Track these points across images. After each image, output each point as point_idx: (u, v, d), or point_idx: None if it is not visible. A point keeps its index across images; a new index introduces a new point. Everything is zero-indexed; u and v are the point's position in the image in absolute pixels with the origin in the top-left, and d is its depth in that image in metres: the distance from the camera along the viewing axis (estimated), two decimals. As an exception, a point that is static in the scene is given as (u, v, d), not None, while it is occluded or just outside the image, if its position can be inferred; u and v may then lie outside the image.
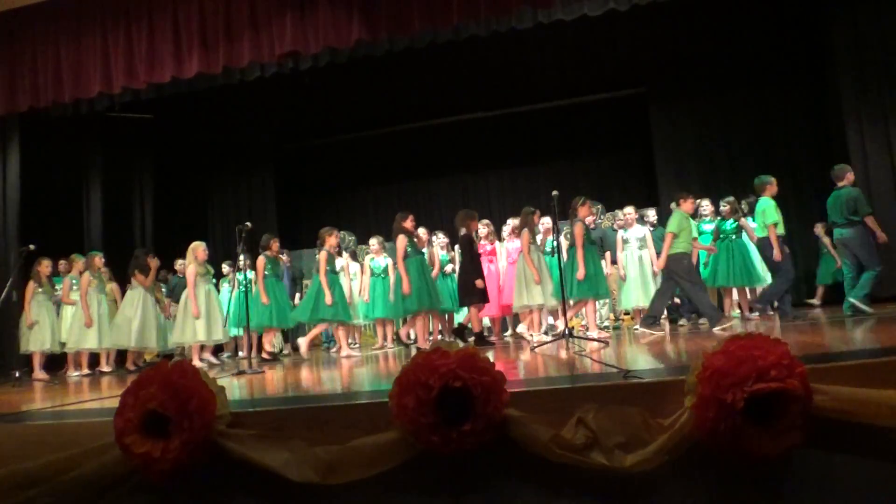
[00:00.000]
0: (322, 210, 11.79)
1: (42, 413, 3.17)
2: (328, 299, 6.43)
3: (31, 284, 7.36)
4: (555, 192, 5.54)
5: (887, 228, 6.25)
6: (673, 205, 6.58)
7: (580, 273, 5.99)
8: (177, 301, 8.38)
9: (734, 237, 6.88)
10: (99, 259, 7.71)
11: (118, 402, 2.22)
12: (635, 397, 2.13)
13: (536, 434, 2.00)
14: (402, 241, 6.25)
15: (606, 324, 7.69)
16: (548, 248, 7.36)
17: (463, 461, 2.05)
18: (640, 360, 3.44)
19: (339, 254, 7.89)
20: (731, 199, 7.08)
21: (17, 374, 6.40)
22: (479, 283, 6.17)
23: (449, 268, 7.67)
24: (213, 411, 2.18)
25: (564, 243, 6.98)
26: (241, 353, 8.32)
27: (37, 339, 7.28)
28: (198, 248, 7.18)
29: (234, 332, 8.37)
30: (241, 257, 6.48)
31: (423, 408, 2.00)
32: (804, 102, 9.09)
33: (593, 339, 5.34)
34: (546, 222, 7.57)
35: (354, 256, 9.14)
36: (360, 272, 8.18)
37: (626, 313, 7.80)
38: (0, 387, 6.05)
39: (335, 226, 7.26)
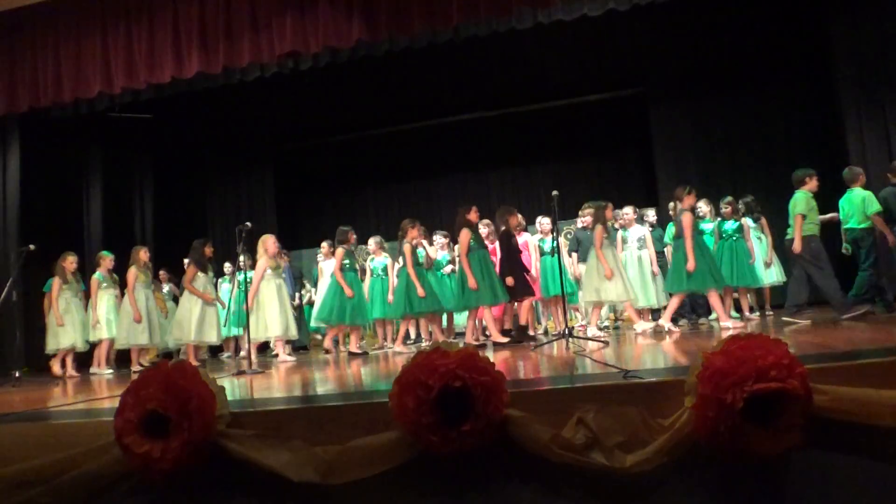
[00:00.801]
0: (322, 210, 11.79)
1: (42, 413, 3.17)
2: (420, 292, 6.37)
3: (57, 281, 7.18)
4: (555, 192, 5.55)
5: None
6: (673, 203, 6.60)
7: (691, 264, 5.77)
8: (177, 301, 8.39)
9: (736, 237, 6.86)
10: (144, 253, 7.43)
11: (118, 402, 2.22)
12: (635, 397, 2.13)
13: (536, 434, 2.00)
14: (466, 234, 6.06)
15: (606, 324, 7.69)
16: (547, 249, 7.37)
17: (463, 461, 2.05)
18: (640, 360, 3.44)
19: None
20: (731, 199, 7.08)
21: (17, 374, 6.39)
22: (508, 280, 6.04)
23: (448, 268, 7.67)
24: (213, 411, 2.18)
25: (564, 243, 6.99)
26: (241, 353, 8.31)
27: (67, 337, 7.11)
28: (268, 241, 6.88)
29: (234, 331, 8.36)
30: (241, 257, 6.46)
31: (423, 408, 2.00)
32: (804, 102, 9.09)
33: (593, 339, 5.35)
34: (546, 222, 7.58)
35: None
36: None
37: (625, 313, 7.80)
38: (0, 387, 6.05)
39: (335, 226, 7.26)
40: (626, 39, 9.29)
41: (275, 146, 11.45)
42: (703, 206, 7.41)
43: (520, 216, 7.49)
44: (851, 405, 1.95)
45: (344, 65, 8.12)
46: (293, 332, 6.92)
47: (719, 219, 7.22)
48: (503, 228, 6.36)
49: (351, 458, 2.08)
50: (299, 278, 9.36)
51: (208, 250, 6.99)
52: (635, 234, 7.24)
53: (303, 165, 11.92)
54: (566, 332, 5.09)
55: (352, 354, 6.60)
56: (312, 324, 8.32)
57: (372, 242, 7.91)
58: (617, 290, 6.07)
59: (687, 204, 5.95)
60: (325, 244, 8.30)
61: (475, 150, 11.22)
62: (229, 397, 2.39)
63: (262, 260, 6.74)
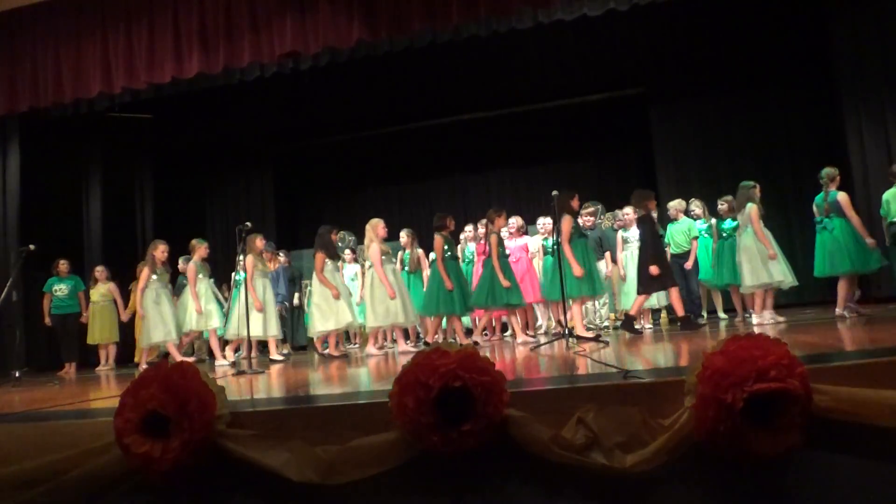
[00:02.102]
0: (321, 210, 11.79)
1: (42, 413, 3.17)
2: (506, 282, 6.22)
3: (146, 271, 6.92)
4: (555, 192, 5.55)
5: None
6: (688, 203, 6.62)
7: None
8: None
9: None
10: (260, 241, 7.05)
11: (118, 402, 2.22)
12: (635, 397, 2.13)
13: (536, 434, 2.00)
14: (568, 221, 5.87)
15: (606, 324, 7.69)
16: (548, 248, 7.37)
17: (463, 461, 2.05)
18: (640, 360, 3.44)
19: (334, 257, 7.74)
20: (730, 197, 7.07)
21: (17, 374, 6.39)
22: (652, 269, 5.80)
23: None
24: (213, 411, 2.18)
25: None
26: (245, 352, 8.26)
27: (158, 330, 6.85)
28: (378, 226, 6.53)
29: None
30: (240, 257, 6.45)
31: (423, 408, 2.00)
32: (804, 102, 9.09)
33: (592, 339, 5.35)
34: (546, 222, 7.58)
35: (354, 256, 9.15)
36: (360, 273, 8.17)
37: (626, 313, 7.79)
38: (0, 387, 6.05)
39: (334, 226, 7.22)
40: (626, 39, 9.28)
41: (275, 146, 11.46)
42: (697, 207, 7.41)
43: (514, 218, 7.50)
44: (851, 405, 1.95)
45: (344, 65, 8.12)
46: (272, 332, 6.81)
47: (714, 218, 7.22)
48: (642, 213, 6.13)
49: (351, 458, 2.08)
50: (299, 279, 9.35)
51: (335, 236, 6.68)
52: (635, 234, 7.23)
53: (303, 165, 11.92)
54: (566, 332, 5.09)
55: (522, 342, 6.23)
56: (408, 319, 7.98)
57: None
58: (776, 272, 5.93)
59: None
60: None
61: (475, 150, 11.22)
62: (229, 397, 2.39)
63: (375, 245, 6.47)
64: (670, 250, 7.39)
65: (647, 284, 5.96)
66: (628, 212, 7.36)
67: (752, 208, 6.01)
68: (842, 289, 5.81)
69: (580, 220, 7.49)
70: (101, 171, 9.97)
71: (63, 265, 8.13)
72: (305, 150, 11.91)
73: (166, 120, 10.35)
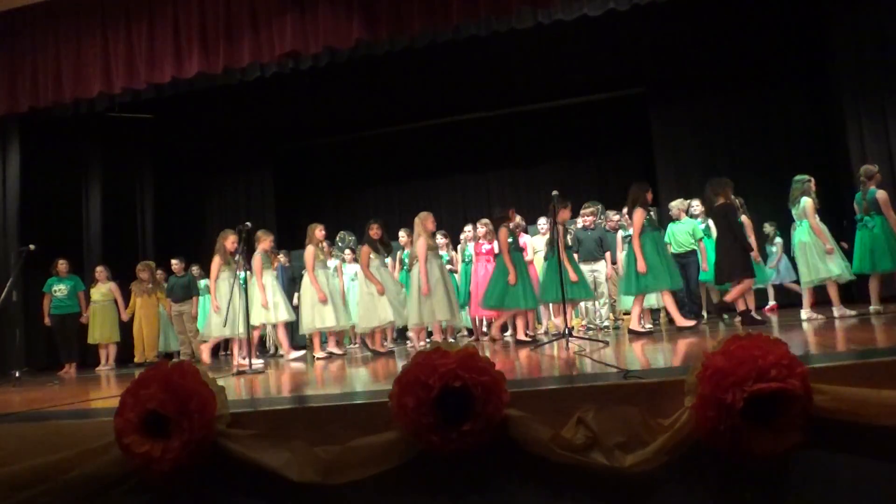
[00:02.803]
0: (322, 210, 11.78)
1: (42, 413, 3.17)
2: (573, 276, 6.08)
3: (217, 262, 6.55)
4: (555, 192, 5.54)
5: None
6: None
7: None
8: (176, 301, 8.37)
9: None
10: (320, 231, 6.79)
11: (118, 402, 2.22)
12: (635, 397, 2.13)
13: (536, 434, 2.00)
14: (639, 214, 5.71)
15: (606, 323, 7.68)
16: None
17: (463, 461, 2.05)
18: (640, 360, 3.44)
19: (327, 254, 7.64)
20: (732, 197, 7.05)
21: (17, 374, 6.39)
22: (754, 255, 5.69)
23: (447, 268, 7.66)
24: (213, 411, 2.18)
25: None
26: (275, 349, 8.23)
27: (230, 323, 6.34)
28: (427, 220, 6.36)
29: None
30: (237, 257, 6.42)
31: (423, 408, 2.00)
32: (804, 102, 9.08)
33: (593, 340, 5.35)
34: (546, 222, 7.57)
35: (354, 256, 9.13)
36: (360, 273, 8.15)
37: (626, 313, 7.79)
38: (0, 387, 6.05)
39: (335, 226, 7.22)
40: (626, 39, 9.28)
41: (275, 146, 11.45)
42: (696, 206, 7.41)
43: (490, 225, 7.47)
44: (851, 405, 1.95)
45: (344, 65, 8.12)
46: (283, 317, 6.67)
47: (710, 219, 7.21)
48: (720, 201, 5.92)
49: (351, 458, 2.08)
50: (299, 279, 9.34)
51: (377, 232, 6.53)
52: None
53: (303, 165, 11.91)
54: (566, 332, 5.08)
55: (520, 342, 6.06)
56: (470, 313, 7.62)
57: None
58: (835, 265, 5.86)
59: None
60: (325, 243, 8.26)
61: (475, 150, 11.21)
62: (229, 397, 2.39)
63: (422, 239, 6.30)
64: (671, 250, 7.40)
65: (730, 273, 5.78)
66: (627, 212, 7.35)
67: (808, 202, 5.89)
68: (876, 286, 5.76)
69: (579, 221, 7.50)
70: (101, 171, 9.98)
71: (62, 265, 8.11)
72: (305, 150, 11.91)
73: (166, 120, 10.35)
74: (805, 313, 5.85)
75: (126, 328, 8.49)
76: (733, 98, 9.30)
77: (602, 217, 7.74)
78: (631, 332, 5.73)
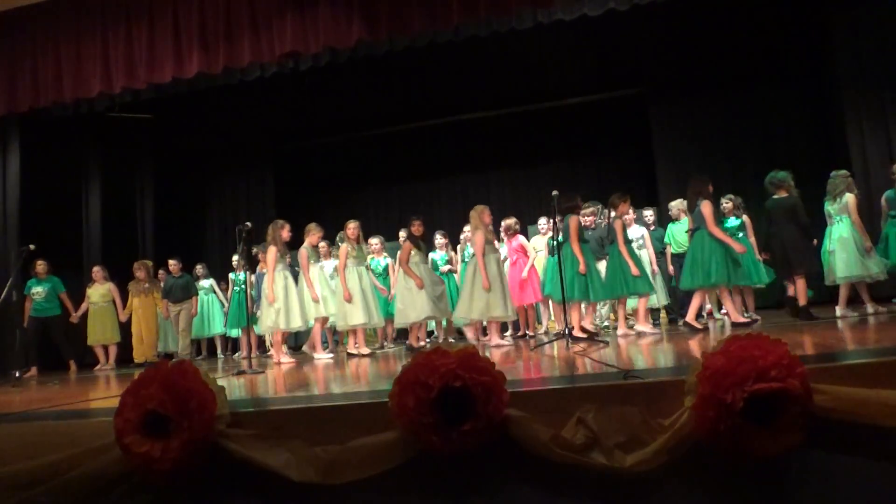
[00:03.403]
0: (322, 210, 11.77)
1: (42, 413, 3.17)
2: (635, 270, 5.97)
3: (273, 252, 6.29)
4: (555, 192, 5.54)
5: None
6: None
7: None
8: (175, 301, 8.36)
9: (741, 235, 6.79)
10: (353, 228, 6.65)
11: (118, 402, 2.22)
12: (635, 397, 2.13)
13: (536, 434, 2.00)
14: (708, 206, 5.60)
15: (606, 324, 7.69)
16: (552, 248, 7.37)
17: (463, 461, 2.05)
18: (640, 360, 3.44)
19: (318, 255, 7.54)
20: (732, 196, 7.05)
21: (17, 374, 6.39)
22: (813, 242, 5.63)
23: (446, 268, 7.66)
24: (213, 411, 2.18)
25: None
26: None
27: (281, 316, 6.22)
28: (484, 213, 6.23)
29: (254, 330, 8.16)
30: (235, 258, 6.41)
31: (423, 408, 2.00)
32: (804, 102, 9.08)
33: (593, 340, 5.35)
34: (548, 222, 7.57)
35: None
36: (391, 268, 8.07)
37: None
38: (0, 386, 6.05)
39: (335, 226, 7.20)
40: (626, 39, 9.29)
41: (275, 146, 11.45)
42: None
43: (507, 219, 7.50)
44: (851, 405, 1.95)
45: (344, 65, 8.12)
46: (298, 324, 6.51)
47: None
48: (783, 195, 5.85)
49: (351, 458, 2.08)
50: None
51: (418, 228, 6.51)
52: (634, 234, 7.22)
53: (303, 165, 11.91)
54: (566, 332, 5.08)
55: (576, 338, 5.78)
56: (508, 312, 7.37)
57: (374, 242, 7.82)
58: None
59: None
60: (323, 244, 8.20)
61: (475, 150, 11.21)
62: (229, 397, 2.39)
63: (480, 233, 6.13)
64: (671, 250, 7.40)
65: (800, 265, 5.70)
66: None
67: (851, 198, 5.85)
68: None
69: (581, 220, 7.48)
70: (101, 171, 9.97)
71: (40, 266, 7.86)
72: (305, 150, 11.90)
73: (166, 120, 10.35)
74: (840, 310, 5.81)
75: (125, 328, 8.46)
76: (733, 98, 9.30)
77: (602, 217, 7.72)
78: (687, 324, 5.76)
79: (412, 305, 6.31)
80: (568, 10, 7.22)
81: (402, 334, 8.40)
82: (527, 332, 7.49)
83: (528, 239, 7.91)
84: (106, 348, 8.38)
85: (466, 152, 11.25)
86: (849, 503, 1.95)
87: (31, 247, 6.60)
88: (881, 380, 2.05)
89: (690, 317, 5.72)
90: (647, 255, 7.15)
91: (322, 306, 6.51)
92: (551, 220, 7.08)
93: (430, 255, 7.77)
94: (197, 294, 8.64)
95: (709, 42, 9.07)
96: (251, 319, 6.81)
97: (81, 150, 9.83)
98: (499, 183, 11.39)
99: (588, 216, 7.44)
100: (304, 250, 6.58)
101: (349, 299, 6.33)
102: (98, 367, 8.24)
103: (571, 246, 5.93)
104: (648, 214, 7.79)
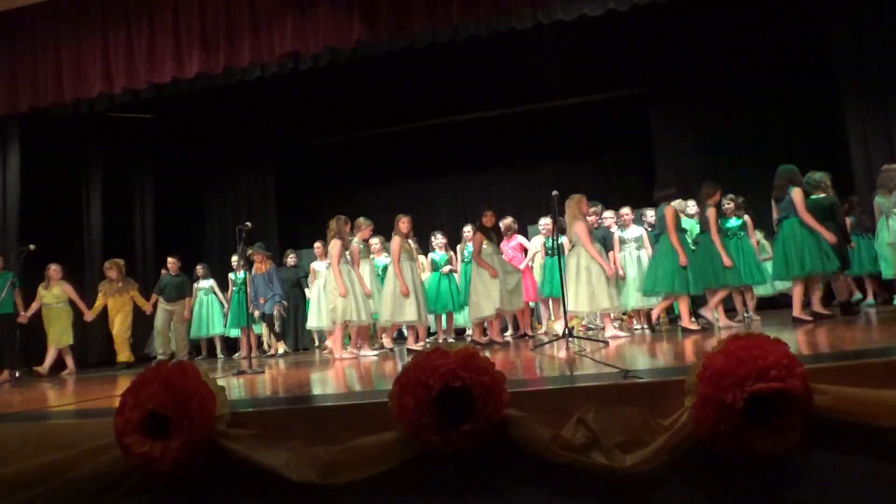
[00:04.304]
0: (322, 210, 11.77)
1: (42, 413, 3.17)
2: (727, 262, 5.80)
3: (338, 245, 6.20)
4: (555, 192, 5.53)
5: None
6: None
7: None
8: (167, 300, 8.26)
9: (742, 235, 6.77)
10: (406, 222, 6.51)
11: (118, 402, 2.22)
12: (635, 397, 2.13)
13: (536, 434, 2.00)
14: (799, 194, 5.48)
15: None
16: (548, 247, 7.37)
17: (463, 461, 2.05)
18: (640, 360, 3.44)
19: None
20: (733, 196, 7.04)
21: (17, 374, 6.38)
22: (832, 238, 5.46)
23: (446, 268, 7.65)
24: (213, 411, 2.18)
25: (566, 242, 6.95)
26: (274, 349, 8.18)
27: (349, 309, 6.13)
28: (581, 201, 6.15)
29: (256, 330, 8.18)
30: (234, 258, 6.40)
31: (423, 408, 2.00)
32: (805, 102, 9.08)
33: (597, 340, 5.34)
34: (547, 222, 7.56)
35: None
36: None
37: (624, 313, 7.79)
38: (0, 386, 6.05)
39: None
40: (626, 39, 9.28)
41: (275, 146, 11.45)
42: (691, 207, 7.39)
43: (505, 219, 7.47)
44: (851, 405, 1.95)
45: (344, 65, 8.12)
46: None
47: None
48: (826, 194, 5.85)
49: (351, 458, 2.08)
50: (304, 278, 9.35)
51: (490, 219, 6.35)
52: (633, 234, 7.22)
53: (303, 165, 11.91)
54: (566, 332, 5.08)
55: (687, 330, 5.72)
56: (632, 303, 7.18)
57: (374, 242, 7.76)
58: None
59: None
60: (318, 244, 8.09)
61: (475, 150, 11.21)
62: (229, 397, 2.39)
63: (581, 223, 6.03)
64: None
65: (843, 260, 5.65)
66: (627, 212, 7.35)
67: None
68: None
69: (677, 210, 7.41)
70: (101, 171, 9.97)
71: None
72: (305, 150, 11.91)
73: (166, 120, 10.35)
74: None
75: (98, 330, 7.97)
76: (733, 98, 9.30)
77: (602, 217, 7.73)
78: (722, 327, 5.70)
79: (486, 297, 6.10)
80: (568, 10, 7.23)
81: (401, 335, 8.38)
82: (526, 331, 7.49)
83: (529, 239, 7.91)
84: (58, 351, 7.70)
85: (466, 152, 11.24)
86: (849, 503, 1.95)
87: (31, 247, 6.58)
88: (881, 380, 2.05)
89: (797, 311, 5.46)
90: (645, 255, 7.14)
91: (373, 302, 6.43)
92: (551, 220, 7.08)
93: (430, 255, 7.77)
94: (191, 296, 8.50)
95: (709, 42, 9.07)
96: (250, 319, 6.82)
97: (81, 150, 9.83)
98: (499, 183, 11.39)
99: (589, 215, 7.43)
100: (354, 245, 6.49)
101: (407, 293, 6.20)
102: (41, 367, 7.58)
103: (669, 237, 5.70)
104: (650, 214, 7.78)
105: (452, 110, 10.72)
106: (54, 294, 7.74)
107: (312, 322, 7.76)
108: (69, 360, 7.78)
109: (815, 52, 8.74)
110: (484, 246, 6.26)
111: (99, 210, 9.87)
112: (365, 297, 6.33)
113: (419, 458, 2.07)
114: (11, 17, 7.31)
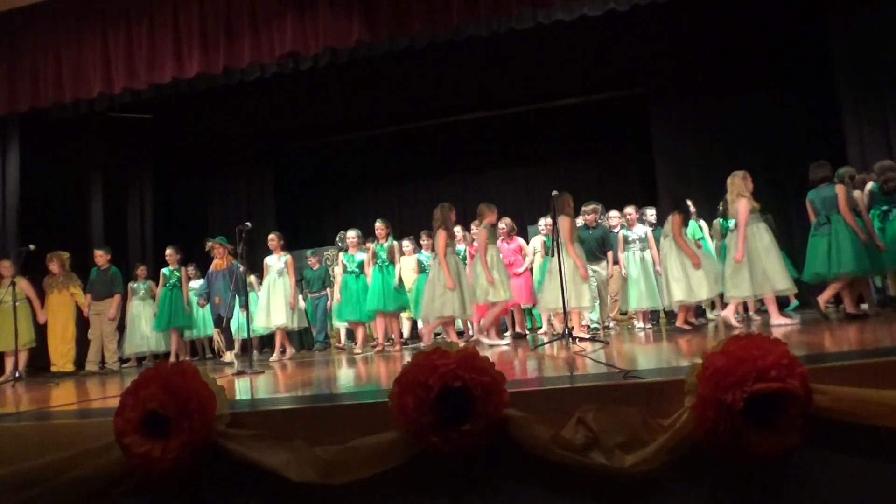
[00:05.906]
0: (322, 210, 11.79)
1: (42, 413, 3.17)
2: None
3: (443, 234, 6.13)
4: (555, 193, 5.53)
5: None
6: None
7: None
8: (95, 299, 7.68)
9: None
10: (494, 213, 6.49)
11: (118, 402, 2.22)
12: (635, 397, 2.13)
13: (536, 434, 2.00)
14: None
15: (608, 324, 7.67)
16: (547, 246, 7.36)
17: (463, 461, 2.05)
18: (640, 360, 3.44)
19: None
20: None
21: (17, 374, 6.37)
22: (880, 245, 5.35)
23: None
24: (213, 411, 2.18)
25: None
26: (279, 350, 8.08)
27: (457, 302, 6.06)
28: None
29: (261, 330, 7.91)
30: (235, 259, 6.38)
31: (423, 408, 2.00)
32: (804, 103, 9.08)
33: (590, 339, 5.34)
34: (547, 222, 7.56)
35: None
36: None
37: (623, 313, 7.78)
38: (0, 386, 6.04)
39: (335, 226, 7.18)
40: (626, 39, 9.28)
41: (275, 146, 11.45)
42: (689, 207, 7.38)
43: (504, 220, 7.47)
44: (851, 405, 1.95)
45: (344, 65, 8.12)
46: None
47: (701, 219, 7.21)
48: (857, 192, 5.77)
49: (351, 458, 2.08)
50: (301, 279, 9.34)
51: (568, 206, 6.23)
52: (638, 233, 7.20)
53: (303, 165, 11.91)
54: (566, 332, 5.08)
55: (850, 315, 5.40)
56: (635, 303, 7.03)
57: (352, 237, 7.63)
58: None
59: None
60: (273, 235, 7.75)
61: (475, 150, 11.21)
62: (229, 397, 2.39)
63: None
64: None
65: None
66: (630, 211, 7.34)
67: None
68: None
69: (579, 221, 7.48)
70: (102, 171, 9.96)
71: None
72: (305, 150, 11.90)
73: (166, 120, 10.35)
74: None
75: (42, 330, 7.30)
76: (733, 98, 9.30)
77: (603, 217, 7.72)
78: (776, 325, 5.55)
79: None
80: (568, 10, 7.22)
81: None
82: (520, 331, 7.51)
83: (528, 239, 7.91)
84: (14, 355, 6.54)
85: (466, 152, 11.25)
86: (849, 503, 1.95)
87: (31, 247, 6.57)
88: (881, 380, 2.05)
89: (849, 307, 5.36)
90: (649, 255, 7.13)
91: (492, 290, 6.19)
92: (551, 220, 7.07)
93: (417, 255, 7.78)
94: (121, 293, 7.81)
95: (709, 42, 9.07)
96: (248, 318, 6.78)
97: (82, 150, 9.82)
98: (499, 183, 11.39)
99: (589, 214, 7.43)
100: (483, 231, 6.37)
101: (492, 282, 6.11)
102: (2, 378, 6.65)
103: (844, 217, 5.38)
104: (651, 213, 7.78)
105: (452, 110, 10.72)
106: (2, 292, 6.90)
107: (262, 322, 7.37)
108: (20, 365, 6.71)
109: (815, 52, 8.74)
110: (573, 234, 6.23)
111: (99, 210, 9.86)
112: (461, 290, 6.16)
113: (419, 458, 2.07)
114: (11, 17, 7.31)
